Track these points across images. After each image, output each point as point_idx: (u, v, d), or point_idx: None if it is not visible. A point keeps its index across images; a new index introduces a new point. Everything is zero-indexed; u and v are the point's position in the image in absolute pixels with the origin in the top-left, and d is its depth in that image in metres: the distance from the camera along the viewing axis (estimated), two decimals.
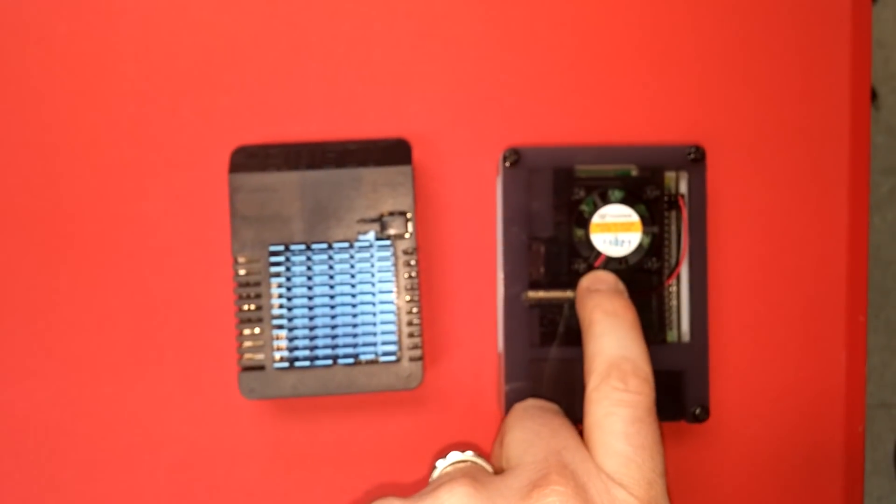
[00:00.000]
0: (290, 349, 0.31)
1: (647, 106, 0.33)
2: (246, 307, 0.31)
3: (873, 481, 0.99)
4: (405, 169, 0.31)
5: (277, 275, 0.31)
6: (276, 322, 0.31)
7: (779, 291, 0.33)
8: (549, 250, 0.32)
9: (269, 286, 0.31)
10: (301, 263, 0.31)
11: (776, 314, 0.33)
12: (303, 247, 0.31)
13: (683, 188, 0.32)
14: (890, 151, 1.00)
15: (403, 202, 0.31)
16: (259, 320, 0.31)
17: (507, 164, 0.31)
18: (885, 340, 1.01)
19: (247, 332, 0.31)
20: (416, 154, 0.33)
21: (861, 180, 0.33)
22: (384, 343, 0.31)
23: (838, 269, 0.33)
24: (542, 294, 0.31)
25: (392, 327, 0.31)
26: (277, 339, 0.31)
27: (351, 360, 0.31)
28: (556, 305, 0.32)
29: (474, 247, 0.33)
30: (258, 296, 0.31)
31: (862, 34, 0.34)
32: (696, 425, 0.32)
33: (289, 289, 0.31)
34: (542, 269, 0.32)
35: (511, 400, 0.31)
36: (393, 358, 0.31)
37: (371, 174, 0.31)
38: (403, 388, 0.31)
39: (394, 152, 0.32)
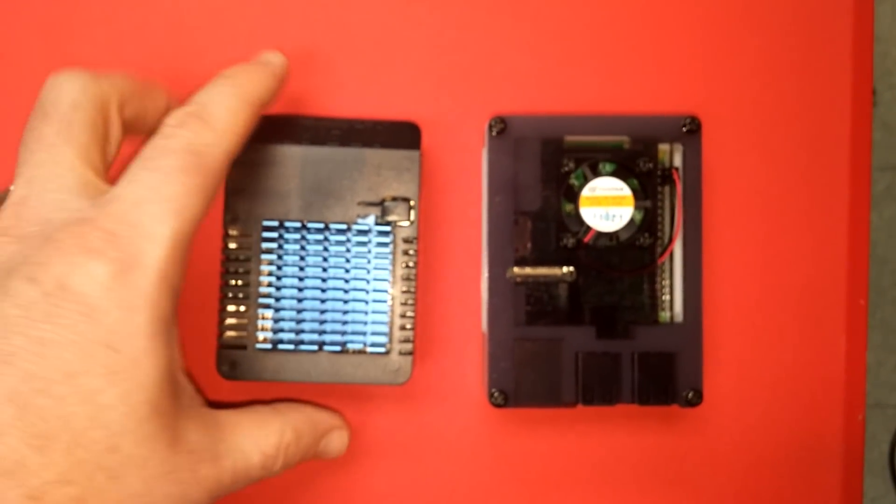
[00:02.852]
0: (275, 331, 0.29)
1: (641, 74, 0.32)
2: (232, 282, 0.29)
3: (868, 481, 0.98)
4: (413, 154, 0.30)
5: (269, 251, 0.29)
6: (262, 301, 0.29)
7: (777, 271, 0.32)
8: (537, 225, 0.30)
9: (259, 262, 0.29)
10: (295, 242, 0.29)
11: (774, 295, 0.32)
12: (298, 224, 0.29)
13: (678, 161, 0.30)
14: (887, 148, 0.99)
15: (408, 188, 0.29)
16: (245, 297, 0.29)
17: (494, 132, 0.30)
18: (880, 339, 1.00)
19: (231, 308, 0.29)
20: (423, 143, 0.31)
21: (863, 157, 0.32)
22: (374, 333, 0.29)
23: (839, 249, 0.32)
24: (528, 271, 0.30)
25: (384, 317, 0.29)
26: (263, 318, 0.29)
27: (338, 348, 0.29)
28: (544, 283, 0.30)
29: (460, 221, 0.31)
30: (246, 272, 0.29)
31: (865, 9, 0.32)
32: (688, 410, 0.31)
33: (279, 267, 0.29)
34: (528, 245, 0.30)
35: (494, 382, 0.30)
36: (382, 350, 0.29)
37: (376, 156, 0.29)
38: (391, 383, 0.29)
39: (402, 135, 0.30)
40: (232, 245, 0.29)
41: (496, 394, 0.30)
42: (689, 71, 0.32)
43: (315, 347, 0.29)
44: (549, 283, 0.30)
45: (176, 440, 0.23)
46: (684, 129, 0.30)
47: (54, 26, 0.31)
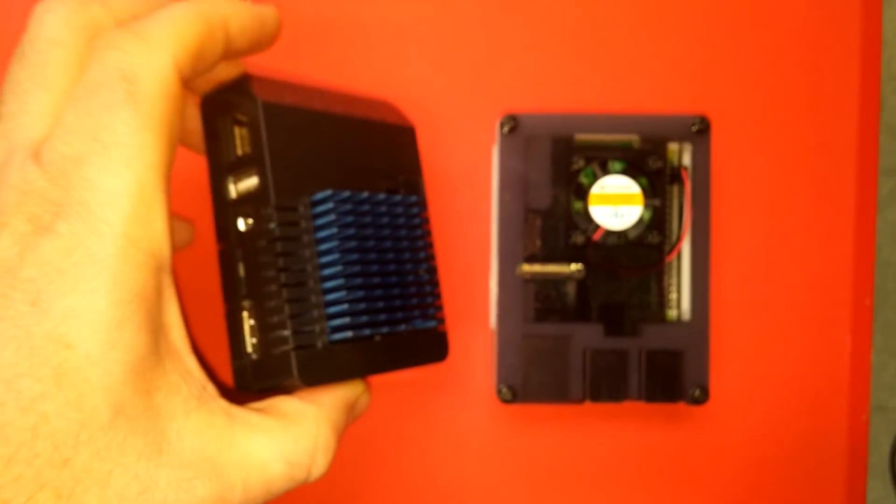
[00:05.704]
0: (342, 316, 0.24)
1: (651, 74, 0.32)
2: (281, 270, 0.23)
3: (869, 484, 0.98)
4: (411, 130, 0.30)
5: (322, 227, 0.24)
6: (318, 287, 0.24)
7: (783, 271, 0.32)
8: (546, 222, 0.30)
9: (312, 243, 0.24)
10: (347, 214, 0.25)
11: (780, 294, 0.32)
12: (347, 195, 0.25)
13: (687, 160, 0.31)
14: (891, 152, 0.99)
15: (413, 164, 0.29)
16: (300, 285, 0.24)
17: (504, 130, 0.30)
18: (882, 342, 1.00)
19: (276, 302, 0.23)
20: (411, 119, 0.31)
21: (870, 158, 0.32)
22: (420, 309, 0.28)
23: (845, 249, 0.32)
24: (537, 268, 0.30)
25: (426, 292, 0.28)
26: (329, 305, 0.24)
27: (386, 330, 0.26)
28: (553, 281, 0.30)
29: (470, 218, 0.32)
30: (299, 255, 0.24)
31: (873, 12, 0.32)
32: (694, 407, 0.31)
33: (334, 245, 0.24)
34: (537, 242, 0.30)
35: (503, 378, 0.30)
36: (432, 324, 0.28)
37: (383, 130, 0.28)
38: (436, 360, 0.29)
39: (394, 111, 0.30)
40: (275, 226, 0.23)
41: (504, 389, 0.30)
42: (700, 71, 0.32)
43: (369, 332, 0.25)
44: (558, 281, 0.30)
45: (158, 450, 0.19)
46: (694, 129, 0.30)
47: None
